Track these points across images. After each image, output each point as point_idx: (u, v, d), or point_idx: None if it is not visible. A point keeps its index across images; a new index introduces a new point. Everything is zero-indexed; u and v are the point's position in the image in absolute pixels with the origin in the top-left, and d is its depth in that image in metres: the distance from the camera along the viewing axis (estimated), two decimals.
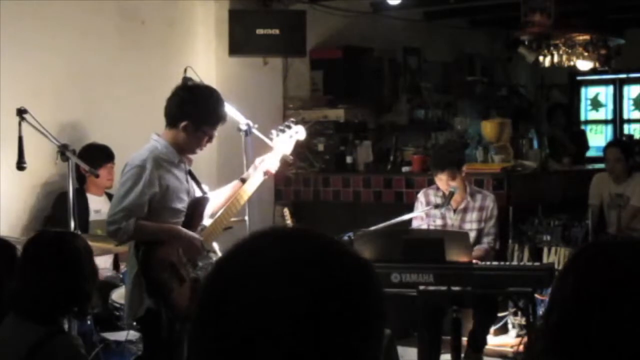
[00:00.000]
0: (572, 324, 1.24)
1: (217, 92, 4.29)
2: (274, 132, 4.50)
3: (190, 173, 4.33)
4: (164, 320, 4.00)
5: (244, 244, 1.22)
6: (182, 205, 4.21)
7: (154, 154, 4.14)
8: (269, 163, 4.42)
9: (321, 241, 1.23)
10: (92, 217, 5.79)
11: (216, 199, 4.44)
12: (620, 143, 7.54)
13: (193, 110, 4.16)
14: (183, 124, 4.14)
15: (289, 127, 4.52)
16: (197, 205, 4.27)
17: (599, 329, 1.22)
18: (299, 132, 4.55)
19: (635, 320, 1.20)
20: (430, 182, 6.93)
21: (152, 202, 4.09)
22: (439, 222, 5.58)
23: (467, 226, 5.53)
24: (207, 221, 4.36)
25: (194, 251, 4.18)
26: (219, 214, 4.37)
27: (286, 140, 4.50)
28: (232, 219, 4.48)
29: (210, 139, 4.23)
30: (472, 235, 5.49)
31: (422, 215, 5.64)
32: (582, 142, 9.87)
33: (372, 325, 1.20)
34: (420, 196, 5.75)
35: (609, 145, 7.31)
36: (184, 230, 4.17)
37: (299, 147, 7.53)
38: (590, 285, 1.25)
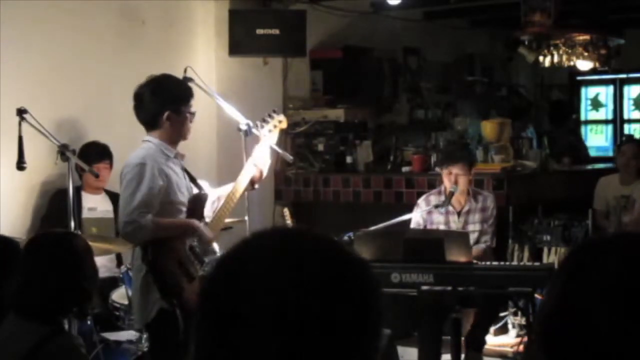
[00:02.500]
0: (559, 325, 1.25)
1: (169, 74, 4.32)
2: (258, 123, 4.51)
3: (184, 169, 4.35)
4: (180, 319, 3.99)
5: (246, 242, 1.25)
6: (183, 199, 4.22)
7: (149, 151, 4.16)
8: (259, 158, 4.41)
9: (320, 240, 1.25)
10: (85, 214, 5.77)
11: (218, 199, 4.45)
12: (638, 140, 7.52)
13: (166, 98, 4.18)
14: (165, 115, 4.16)
15: (270, 117, 4.53)
16: (197, 202, 4.28)
17: (585, 331, 1.22)
18: (281, 121, 4.57)
19: (620, 323, 1.20)
20: (430, 183, 6.94)
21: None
22: (442, 227, 5.54)
23: (470, 228, 5.50)
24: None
25: (207, 243, 4.20)
26: (218, 207, 4.38)
27: (270, 129, 4.52)
28: (231, 219, 4.49)
29: (192, 117, 4.26)
30: (475, 236, 5.48)
31: (419, 221, 5.60)
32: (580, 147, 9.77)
33: (368, 323, 1.21)
34: (421, 202, 5.67)
35: (627, 141, 7.29)
36: (196, 221, 4.19)
37: (298, 147, 7.63)
38: (577, 286, 1.25)
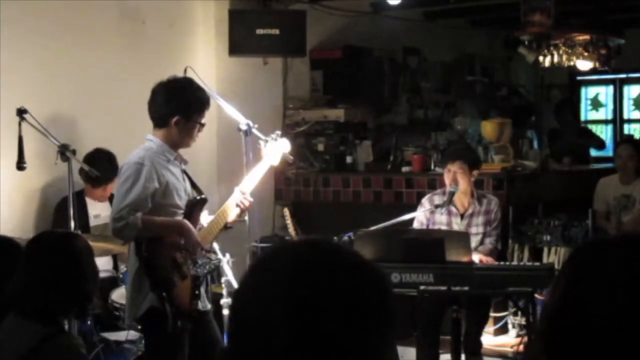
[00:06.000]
0: (561, 325, 1.25)
1: (192, 80, 4.33)
2: (262, 142, 4.55)
3: (185, 173, 4.35)
4: (169, 315, 4.00)
5: (265, 257, 1.31)
6: (180, 202, 4.23)
7: (150, 152, 4.17)
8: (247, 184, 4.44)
9: (337, 252, 1.30)
10: (92, 222, 5.75)
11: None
12: (634, 141, 7.52)
13: (180, 103, 4.19)
14: (174, 119, 4.18)
15: (275, 140, 4.57)
16: (194, 206, 4.28)
17: (586, 331, 1.22)
18: (284, 146, 4.61)
19: (616, 325, 1.20)
20: (430, 183, 6.94)
21: (152, 199, 4.10)
22: (444, 229, 5.52)
23: (473, 230, 5.48)
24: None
25: (194, 246, 4.19)
26: (212, 218, 4.39)
27: (275, 150, 4.55)
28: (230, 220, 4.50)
29: (201, 128, 4.27)
30: (478, 239, 5.46)
31: (423, 220, 5.59)
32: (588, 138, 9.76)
33: (384, 333, 1.25)
34: (425, 202, 5.65)
35: (622, 141, 7.27)
36: (189, 223, 4.19)
37: (298, 147, 7.62)
38: (578, 287, 1.26)
